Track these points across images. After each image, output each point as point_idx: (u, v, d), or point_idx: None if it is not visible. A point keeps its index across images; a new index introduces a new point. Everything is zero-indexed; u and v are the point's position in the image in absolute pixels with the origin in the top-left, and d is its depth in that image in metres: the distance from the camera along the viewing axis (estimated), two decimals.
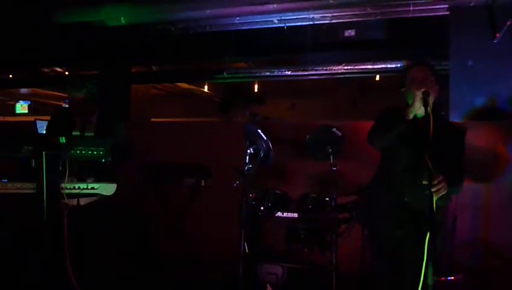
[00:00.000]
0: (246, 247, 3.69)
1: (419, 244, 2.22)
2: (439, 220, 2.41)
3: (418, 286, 2.18)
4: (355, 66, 6.76)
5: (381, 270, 2.63)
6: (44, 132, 3.63)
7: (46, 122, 3.63)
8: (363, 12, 4.88)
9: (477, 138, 3.64)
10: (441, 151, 2.32)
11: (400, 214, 2.54)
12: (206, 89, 11.70)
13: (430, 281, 2.08)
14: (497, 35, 4.35)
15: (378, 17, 5.05)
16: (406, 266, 2.46)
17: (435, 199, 2.21)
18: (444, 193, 2.27)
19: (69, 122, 3.56)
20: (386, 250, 2.60)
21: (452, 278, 3.51)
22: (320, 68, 6.86)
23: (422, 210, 2.30)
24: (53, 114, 3.92)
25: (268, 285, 3.67)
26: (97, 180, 3.07)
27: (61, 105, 12.94)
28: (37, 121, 4.82)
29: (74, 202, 3.00)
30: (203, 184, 4.62)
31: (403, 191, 2.53)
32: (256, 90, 10.68)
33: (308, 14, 4.90)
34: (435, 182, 2.23)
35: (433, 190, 2.21)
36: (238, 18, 5.15)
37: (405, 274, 2.45)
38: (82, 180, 3.05)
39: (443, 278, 2.91)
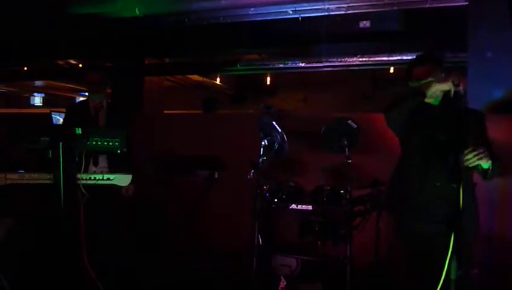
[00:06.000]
0: (260, 239, 3.69)
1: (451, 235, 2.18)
2: (469, 208, 2.38)
3: (449, 281, 2.14)
4: (370, 57, 6.70)
5: (415, 267, 2.58)
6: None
7: (62, 114, 3.67)
8: (379, 2, 4.81)
9: (496, 130, 3.56)
10: (465, 137, 2.29)
11: (433, 202, 2.48)
12: (218, 81, 11.70)
13: (452, 276, 2.04)
14: None
15: (395, 8, 4.98)
16: (439, 260, 2.41)
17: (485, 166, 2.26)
18: (487, 158, 2.25)
19: (84, 117, 3.61)
20: (421, 246, 2.55)
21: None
22: (334, 60, 6.82)
23: (452, 197, 2.23)
24: (68, 109, 3.97)
25: (282, 277, 3.67)
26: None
27: (75, 97, 13.07)
28: (53, 113, 4.88)
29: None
30: (216, 176, 4.63)
31: (433, 177, 2.48)
32: (269, 82, 10.65)
33: (323, 5, 4.85)
34: (475, 152, 2.22)
35: (478, 157, 2.21)
36: (252, 9, 5.11)
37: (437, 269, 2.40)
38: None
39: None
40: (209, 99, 11.50)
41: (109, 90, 7.06)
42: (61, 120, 4.78)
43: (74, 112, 3.87)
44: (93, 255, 2.98)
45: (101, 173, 3.22)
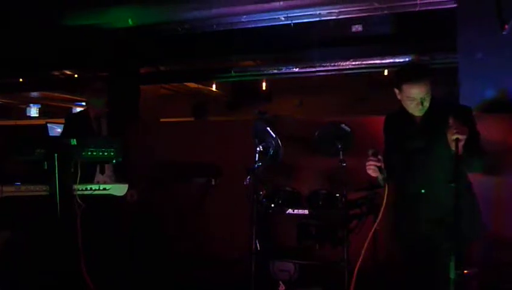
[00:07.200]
0: (258, 245, 3.70)
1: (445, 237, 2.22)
2: (466, 207, 2.39)
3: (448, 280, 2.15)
4: (363, 61, 6.74)
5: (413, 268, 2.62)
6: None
7: (57, 125, 3.68)
8: (369, 7, 4.87)
9: (488, 130, 3.60)
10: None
11: (421, 209, 2.52)
12: (214, 88, 11.74)
13: (452, 275, 2.06)
14: (506, 26, 4.31)
15: (385, 12, 5.04)
16: (437, 262, 2.43)
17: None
18: (462, 136, 2.23)
19: (85, 126, 3.62)
20: (416, 250, 2.59)
21: (466, 271, 3.49)
22: (327, 64, 6.86)
23: (442, 201, 2.29)
24: (67, 119, 3.96)
25: (280, 282, 3.68)
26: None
27: (71, 108, 13.08)
28: (49, 124, 4.90)
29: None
30: (213, 183, 4.65)
31: (418, 184, 2.52)
32: (264, 88, 10.69)
33: (314, 11, 4.91)
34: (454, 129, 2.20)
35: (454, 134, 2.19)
36: (244, 16, 5.16)
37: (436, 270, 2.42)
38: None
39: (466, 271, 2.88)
40: (198, 105, 11.54)
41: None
42: (59, 130, 4.79)
43: (74, 122, 3.86)
44: (91, 264, 2.99)
45: (105, 182, 3.25)
